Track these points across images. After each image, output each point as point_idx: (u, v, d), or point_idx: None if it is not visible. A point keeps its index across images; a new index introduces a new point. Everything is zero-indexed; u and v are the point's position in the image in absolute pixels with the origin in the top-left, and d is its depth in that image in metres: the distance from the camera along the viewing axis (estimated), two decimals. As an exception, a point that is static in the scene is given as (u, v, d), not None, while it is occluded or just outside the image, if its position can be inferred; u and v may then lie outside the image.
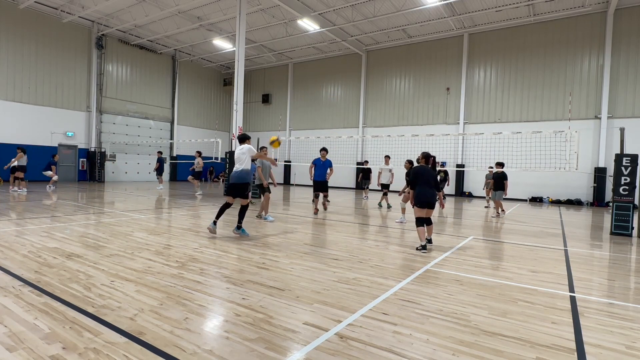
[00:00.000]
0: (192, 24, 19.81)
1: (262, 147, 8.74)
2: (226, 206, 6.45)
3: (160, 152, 17.60)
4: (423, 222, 5.91)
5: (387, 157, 12.77)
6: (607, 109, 16.38)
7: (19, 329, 2.64)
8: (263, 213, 8.66)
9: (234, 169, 6.39)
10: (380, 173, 12.53)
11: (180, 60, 25.67)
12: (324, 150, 10.11)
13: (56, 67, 19.52)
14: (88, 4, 18.08)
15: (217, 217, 6.42)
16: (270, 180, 8.99)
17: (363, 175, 16.22)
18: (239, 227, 6.41)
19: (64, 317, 2.87)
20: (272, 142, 7.19)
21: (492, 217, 10.86)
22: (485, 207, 13.89)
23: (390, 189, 12.68)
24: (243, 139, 6.65)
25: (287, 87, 26.68)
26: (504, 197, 10.71)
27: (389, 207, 12.25)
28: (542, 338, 2.82)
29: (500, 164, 10.86)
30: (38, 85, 18.90)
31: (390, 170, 12.41)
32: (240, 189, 6.34)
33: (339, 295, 3.61)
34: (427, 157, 6.14)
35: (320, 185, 10.05)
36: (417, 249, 5.85)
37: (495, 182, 10.72)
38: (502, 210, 11.03)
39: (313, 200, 10.11)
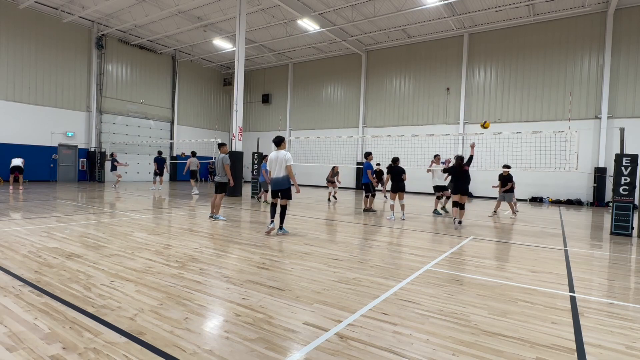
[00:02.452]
0: (192, 24, 19.81)
1: (223, 144, 8.78)
2: (274, 206, 6.96)
3: (159, 152, 17.57)
4: (458, 205, 8.43)
5: (438, 156, 11.24)
6: (607, 109, 16.38)
7: (19, 329, 2.64)
8: (214, 212, 8.58)
9: (276, 174, 6.71)
10: (433, 173, 11.18)
11: (180, 60, 25.67)
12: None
13: (56, 67, 19.52)
14: (88, 4, 18.08)
15: (273, 216, 6.96)
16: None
17: (377, 176, 15.96)
18: (281, 228, 6.86)
19: (64, 317, 2.87)
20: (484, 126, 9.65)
21: (511, 217, 11.06)
22: (490, 216, 12.13)
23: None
24: (280, 141, 6.83)
25: (287, 87, 26.68)
26: (514, 198, 11.13)
27: (445, 212, 11.22)
28: (542, 338, 2.81)
29: (506, 166, 11.14)
30: (38, 85, 18.90)
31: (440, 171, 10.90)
32: (286, 192, 6.81)
33: (339, 295, 3.61)
34: (456, 158, 8.70)
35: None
36: (455, 222, 8.32)
37: (503, 184, 11.03)
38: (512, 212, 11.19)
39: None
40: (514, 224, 9.66)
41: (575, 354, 2.59)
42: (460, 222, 8.33)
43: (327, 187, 15.51)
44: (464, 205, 8.47)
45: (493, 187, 12.38)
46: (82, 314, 2.93)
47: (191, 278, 3.99)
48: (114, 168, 16.67)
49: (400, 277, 4.34)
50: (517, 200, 17.90)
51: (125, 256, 4.82)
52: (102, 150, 21.02)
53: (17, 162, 14.72)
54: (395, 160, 9.93)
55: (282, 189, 6.76)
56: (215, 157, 18.65)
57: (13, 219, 7.44)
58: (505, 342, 2.72)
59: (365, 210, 11.17)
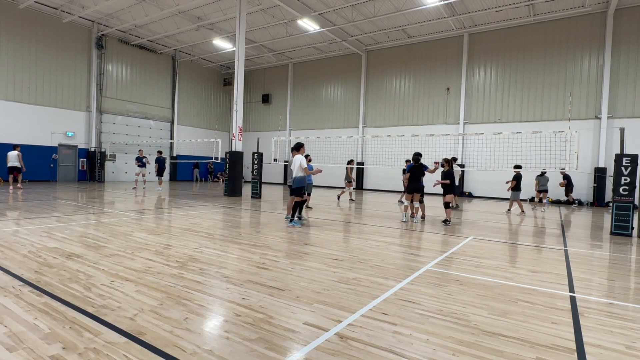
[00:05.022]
0: (192, 24, 19.81)
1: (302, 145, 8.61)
2: (297, 204, 8.04)
3: (160, 152, 17.57)
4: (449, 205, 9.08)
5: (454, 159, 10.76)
6: (607, 109, 16.38)
7: (19, 329, 2.64)
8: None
9: (293, 175, 7.92)
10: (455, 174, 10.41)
11: (180, 60, 25.67)
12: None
13: (56, 67, 19.52)
14: (88, 4, 18.08)
15: (293, 214, 7.98)
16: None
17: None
18: (291, 220, 7.91)
19: (64, 317, 2.87)
20: None
21: (517, 214, 12.00)
22: (542, 210, 13.64)
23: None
24: (299, 147, 7.94)
25: (287, 87, 26.68)
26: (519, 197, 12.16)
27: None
28: (542, 338, 2.81)
29: (516, 166, 12.07)
30: (38, 85, 18.90)
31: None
32: (299, 190, 7.91)
33: (339, 295, 3.61)
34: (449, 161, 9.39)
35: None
36: (446, 222, 8.78)
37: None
38: (521, 211, 12.27)
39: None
40: (514, 223, 9.66)
41: (575, 354, 2.59)
42: (448, 221, 8.92)
43: (344, 187, 15.26)
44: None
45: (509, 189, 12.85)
46: (82, 314, 2.93)
47: (191, 278, 3.99)
48: (143, 165, 16.59)
49: (400, 277, 4.34)
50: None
51: (125, 256, 4.82)
52: (102, 150, 21.01)
53: (12, 161, 14.19)
54: (418, 157, 9.22)
55: (299, 187, 7.90)
56: (214, 158, 18.71)
57: (13, 219, 7.44)
58: (505, 342, 2.72)
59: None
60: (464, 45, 19.68)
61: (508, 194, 12.44)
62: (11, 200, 10.72)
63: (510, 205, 12.63)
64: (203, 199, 13.39)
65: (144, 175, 16.79)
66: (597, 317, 3.29)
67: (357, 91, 23.54)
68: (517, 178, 11.92)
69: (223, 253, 5.24)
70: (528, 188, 17.90)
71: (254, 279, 4.04)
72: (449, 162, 9.58)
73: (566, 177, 14.40)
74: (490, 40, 19.09)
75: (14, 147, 14.54)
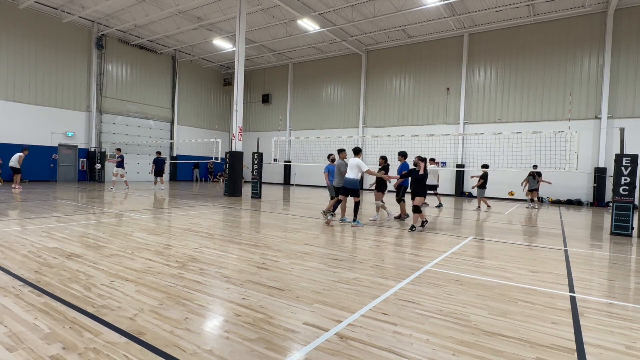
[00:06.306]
0: (192, 24, 19.81)
1: (342, 150, 8.95)
2: (339, 202, 8.57)
3: (158, 153, 17.54)
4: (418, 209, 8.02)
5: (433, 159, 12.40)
6: (607, 109, 16.38)
7: (19, 329, 2.64)
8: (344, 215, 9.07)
9: (347, 175, 8.22)
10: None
11: (180, 60, 25.67)
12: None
13: (56, 67, 19.51)
14: (88, 4, 18.08)
15: (333, 210, 8.43)
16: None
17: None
18: (354, 219, 8.20)
19: (64, 317, 2.87)
20: None
21: (484, 210, 12.77)
22: (530, 207, 14.52)
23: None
24: (358, 151, 8.47)
25: (287, 87, 26.68)
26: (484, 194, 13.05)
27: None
28: (542, 338, 2.81)
29: (484, 166, 12.71)
30: (38, 85, 18.90)
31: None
32: (354, 191, 8.24)
33: (339, 295, 3.61)
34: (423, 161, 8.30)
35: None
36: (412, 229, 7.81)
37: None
38: (487, 206, 13.30)
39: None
40: (513, 223, 9.66)
41: (575, 354, 2.59)
42: (414, 228, 7.78)
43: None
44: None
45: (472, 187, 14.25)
46: (82, 314, 2.93)
47: (191, 278, 3.99)
48: (120, 165, 16.09)
49: (400, 277, 4.34)
50: (517, 200, 17.94)
51: (125, 256, 4.82)
52: (102, 150, 21.01)
53: (12, 161, 14.27)
54: (403, 153, 9.19)
55: (353, 189, 8.21)
56: (214, 158, 18.72)
57: (13, 219, 7.44)
58: (505, 342, 2.72)
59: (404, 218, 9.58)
60: (464, 45, 19.68)
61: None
62: (12, 200, 10.71)
63: (479, 202, 13.26)
64: (203, 199, 13.38)
65: (122, 176, 16.17)
66: (597, 317, 3.29)
67: (357, 91, 23.54)
68: (485, 177, 12.61)
69: (223, 253, 5.24)
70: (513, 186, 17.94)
71: (254, 279, 4.04)
72: (425, 162, 8.24)
73: (538, 175, 14.63)
74: (490, 40, 19.09)
75: (22, 149, 14.69)
